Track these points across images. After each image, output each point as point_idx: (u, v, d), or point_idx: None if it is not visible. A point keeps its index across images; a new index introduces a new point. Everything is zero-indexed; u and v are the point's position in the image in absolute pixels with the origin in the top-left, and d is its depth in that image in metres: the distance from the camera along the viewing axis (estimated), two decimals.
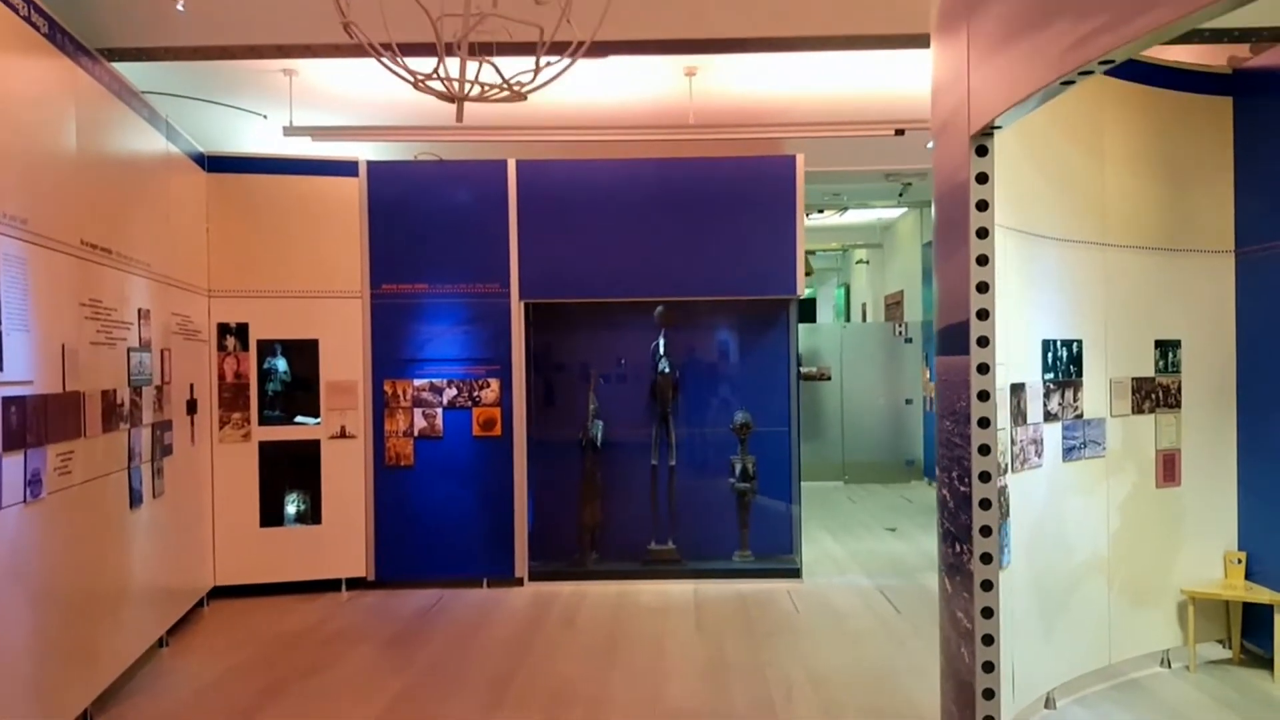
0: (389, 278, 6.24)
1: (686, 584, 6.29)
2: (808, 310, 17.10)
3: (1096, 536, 4.19)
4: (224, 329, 5.91)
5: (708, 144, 6.60)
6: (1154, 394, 4.41)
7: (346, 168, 6.19)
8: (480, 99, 2.92)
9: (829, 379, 11.55)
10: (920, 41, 4.29)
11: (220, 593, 5.91)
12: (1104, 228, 4.22)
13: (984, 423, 2.83)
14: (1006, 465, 3.63)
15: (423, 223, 6.26)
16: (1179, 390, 4.46)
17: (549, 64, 3.13)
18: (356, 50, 3.58)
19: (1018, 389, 3.76)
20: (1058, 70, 2.40)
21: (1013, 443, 3.70)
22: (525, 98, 2.97)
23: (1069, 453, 4.07)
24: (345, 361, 6.17)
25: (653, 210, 6.36)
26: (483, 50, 3.34)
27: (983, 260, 2.80)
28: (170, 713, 4.15)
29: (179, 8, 4.48)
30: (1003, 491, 3.45)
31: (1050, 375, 3.99)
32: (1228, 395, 4.52)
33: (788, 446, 6.66)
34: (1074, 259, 4.10)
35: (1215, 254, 4.52)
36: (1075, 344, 4.12)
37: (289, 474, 6.09)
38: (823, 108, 6.51)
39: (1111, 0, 2.15)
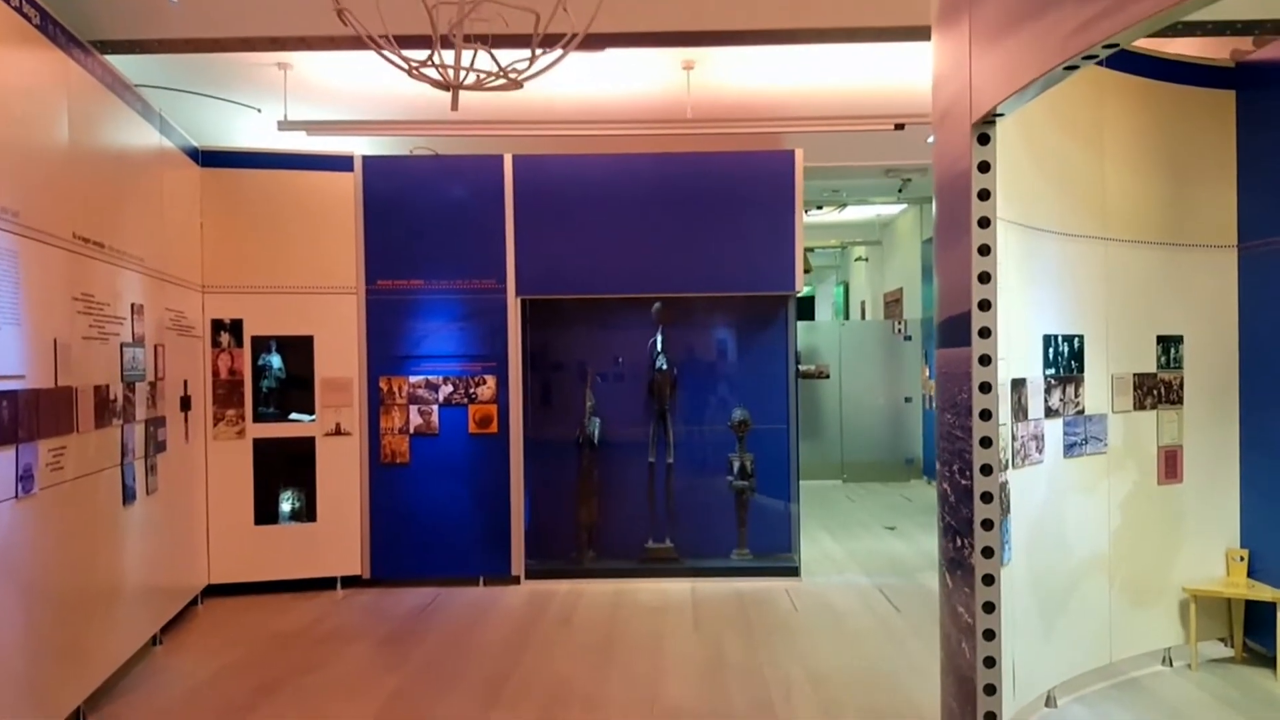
0: (384, 273, 6.19)
1: (684, 583, 6.25)
2: (806, 308, 17.07)
3: (1097, 534, 4.15)
4: (218, 325, 5.87)
5: (706, 139, 6.57)
6: (1156, 390, 4.37)
7: (342, 162, 6.15)
8: (476, 87, 2.88)
9: (827, 377, 11.51)
10: (920, 34, 4.25)
11: (214, 591, 5.86)
12: (1105, 222, 4.19)
13: (985, 415, 2.79)
14: (1007, 461, 3.60)
15: (418, 218, 6.22)
16: (1181, 386, 4.43)
17: (544, 53, 3.09)
18: (351, 42, 3.55)
19: (1019, 384, 3.73)
20: (1061, 55, 2.36)
21: (1014, 438, 3.66)
22: (521, 86, 2.93)
23: (1070, 449, 4.03)
24: (340, 358, 6.12)
25: (650, 206, 6.32)
26: (478, 40, 3.30)
27: (984, 250, 2.77)
28: (164, 711, 4.11)
29: (172, 0, 4.44)
30: (1003, 488, 3.41)
31: (1051, 371, 3.95)
32: (1230, 391, 4.48)
33: (786, 444, 6.62)
34: (1075, 253, 4.06)
35: (1218, 249, 4.48)
36: (1077, 339, 4.08)
37: (284, 471, 6.05)
38: (822, 102, 6.48)
39: None
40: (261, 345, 5.99)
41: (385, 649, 4.95)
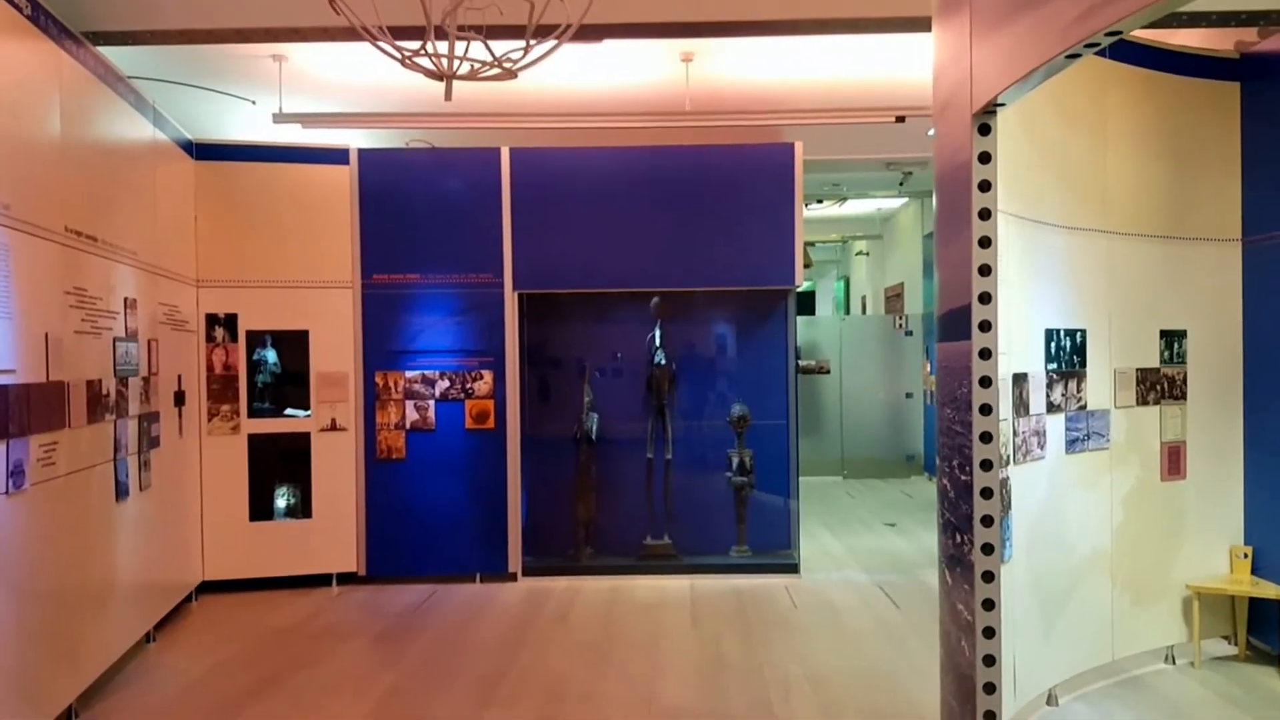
0: (380, 268, 6.15)
1: (682, 579, 6.21)
2: (807, 303, 17.01)
3: (1099, 530, 4.11)
4: (212, 319, 5.83)
5: (705, 131, 6.51)
6: (1159, 385, 4.33)
7: (337, 155, 6.10)
8: (470, 77, 2.83)
9: (828, 372, 11.46)
10: (922, 25, 4.20)
11: (209, 587, 5.83)
12: (1108, 215, 4.14)
13: (986, 409, 2.75)
14: (1008, 457, 3.55)
15: (415, 211, 6.17)
16: (1184, 381, 4.38)
17: (539, 43, 3.05)
18: (346, 33, 3.50)
19: (1020, 379, 3.68)
20: (1062, 44, 2.31)
21: (1015, 434, 3.62)
22: (516, 75, 2.88)
23: (1072, 444, 3.99)
24: (336, 353, 6.08)
25: (648, 199, 6.27)
26: (472, 30, 3.26)
27: (985, 242, 2.72)
28: (156, 709, 4.08)
29: None
30: (1004, 484, 3.37)
31: (1053, 365, 3.91)
32: (1234, 386, 4.44)
33: (785, 440, 6.58)
34: (1077, 247, 4.02)
35: (1221, 243, 4.43)
36: (1079, 334, 4.03)
37: (279, 467, 6.01)
38: (822, 94, 6.43)
39: None
40: (256, 340, 5.95)
41: (381, 646, 4.92)
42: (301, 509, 6.05)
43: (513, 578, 6.21)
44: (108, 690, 4.22)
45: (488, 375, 6.19)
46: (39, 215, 3.62)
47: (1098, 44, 2.25)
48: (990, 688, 2.75)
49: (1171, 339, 4.35)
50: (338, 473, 6.08)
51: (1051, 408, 3.88)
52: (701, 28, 5.02)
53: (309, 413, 6.03)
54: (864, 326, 12.15)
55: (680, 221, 6.25)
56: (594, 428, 6.58)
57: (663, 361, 6.62)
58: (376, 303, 6.15)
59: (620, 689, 4.24)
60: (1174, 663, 4.37)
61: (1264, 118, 4.33)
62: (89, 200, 4.17)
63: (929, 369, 10.85)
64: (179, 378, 5.41)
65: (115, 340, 4.37)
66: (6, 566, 3.32)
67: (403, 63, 2.90)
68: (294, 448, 5.99)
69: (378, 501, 6.14)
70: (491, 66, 2.86)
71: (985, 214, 2.73)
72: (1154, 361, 4.31)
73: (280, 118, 6.09)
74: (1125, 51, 4.16)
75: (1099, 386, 4.11)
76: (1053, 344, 3.91)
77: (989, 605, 2.75)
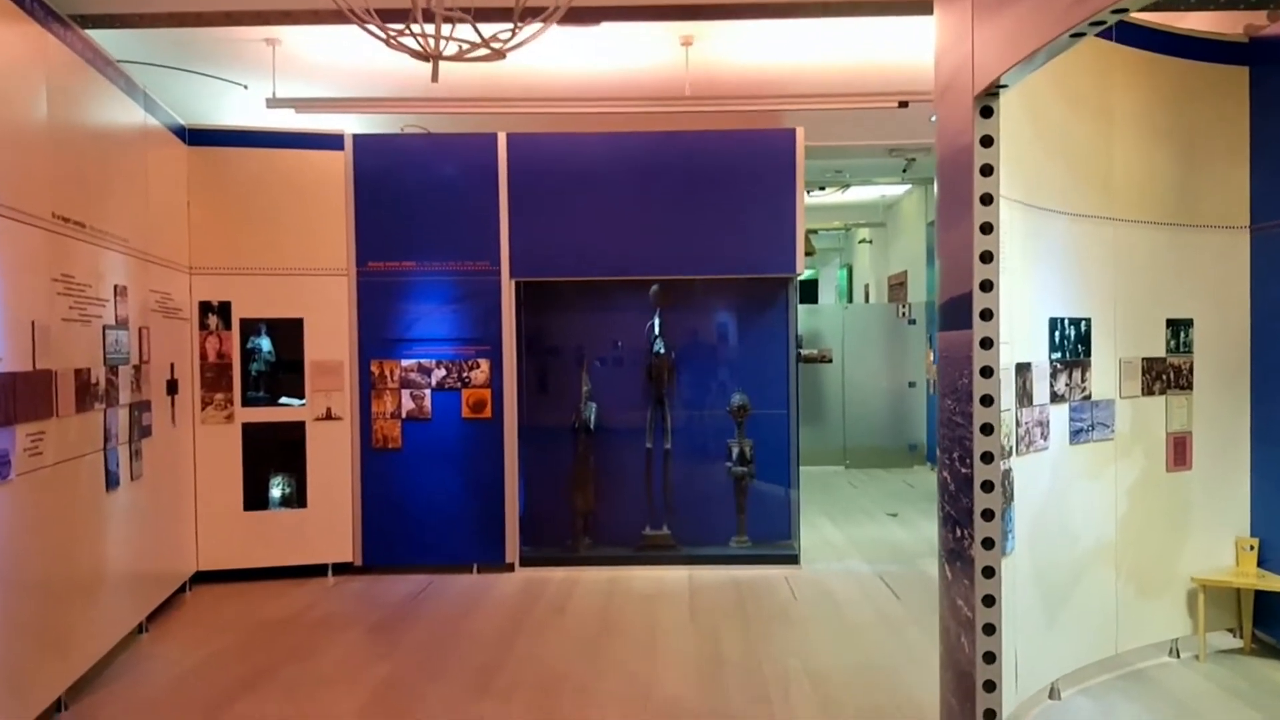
0: (376, 255, 6.07)
1: (681, 570, 6.16)
2: (809, 291, 16.91)
3: (1103, 522, 4.04)
4: (206, 307, 5.77)
5: (705, 116, 6.41)
6: (1165, 375, 4.25)
7: (331, 141, 6.02)
8: (457, 58, 2.75)
9: (830, 361, 11.38)
10: (924, 7, 4.09)
11: (204, 578, 5.79)
12: (1113, 202, 4.05)
13: (987, 400, 2.67)
14: (1011, 448, 3.49)
15: (410, 198, 6.09)
16: (1191, 371, 4.31)
17: (528, 24, 2.96)
18: (336, 16, 3.42)
19: (1023, 369, 3.62)
20: (1066, 22, 2.23)
21: (1018, 424, 3.55)
22: (504, 55, 2.80)
23: (1076, 435, 3.92)
24: (331, 341, 6.01)
25: (648, 185, 6.19)
26: (461, 11, 3.17)
27: (987, 228, 2.64)
28: (147, 700, 4.04)
29: None
30: (1006, 475, 3.31)
31: (1057, 355, 3.84)
32: (1241, 376, 4.36)
33: (786, 430, 6.51)
34: (1082, 234, 3.93)
35: (1229, 230, 4.34)
36: (1083, 323, 3.96)
37: (274, 456, 5.96)
38: (824, 79, 6.32)
39: None
40: (250, 328, 5.88)
41: (376, 637, 4.87)
42: (296, 499, 6.01)
43: (510, 568, 6.16)
44: (99, 682, 4.18)
45: (484, 364, 6.12)
46: (24, 201, 3.56)
47: (1104, 22, 2.17)
48: (990, 685, 2.69)
49: (1178, 328, 4.27)
50: (333, 462, 6.02)
51: (1055, 398, 3.81)
52: (701, 10, 4.93)
53: (304, 402, 5.97)
54: (867, 315, 12.07)
55: (680, 208, 6.17)
56: (592, 417, 6.51)
57: (662, 350, 6.55)
58: (372, 290, 6.08)
59: (617, 683, 4.19)
60: (1178, 656, 4.31)
61: (1273, 103, 4.24)
62: (77, 186, 4.10)
63: (932, 358, 10.77)
64: (171, 366, 5.35)
65: (105, 328, 4.31)
66: None
67: (387, 43, 2.83)
68: (289, 437, 5.94)
69: (374, 491, 6.09)
70: (478, 47, 2.78)
71: (987, 199, 2.65)
72: (1160, 351, 4.24)
73: (274, 102, 6.01)
74: (1132, 35, 4.07)
75: (1104, 376, 4.04)
76: (1056, 333, 3.83)
77: (989, 601, 2.68)
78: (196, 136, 5.75)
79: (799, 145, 6.15)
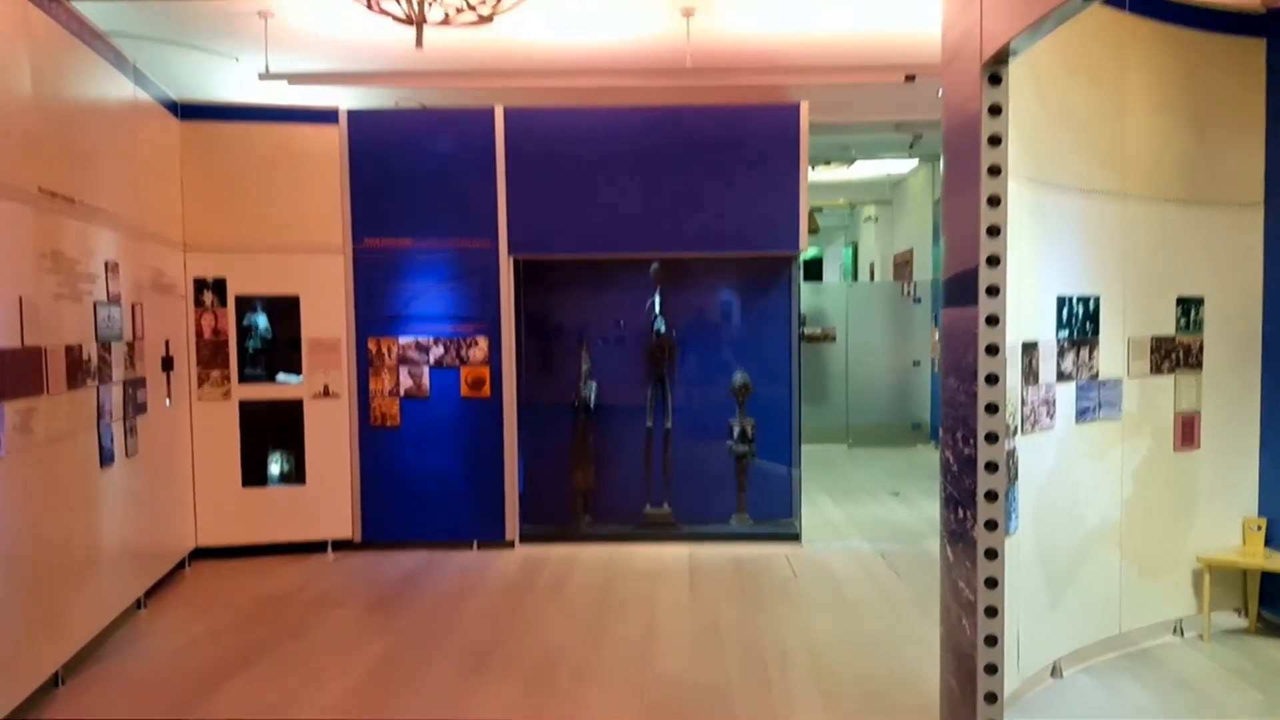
0: (372, 231, 5.99)
1: (681, 548, 6.13)
2: (814, 270, 16.76)
3: (1109, 501, 3.99)
4: (201, 284, 5.70)
5: (706, 90, 6.30)
6: (1174, 354, 4.17)
7: (326, 116, 5.93)
8: (444, 24, 2.66)
9: (833, 340, 11.30)
10: None
11: (202, 554, 5.77)
12: (1124, 177, 3.96)
13: (992, 379, 2.60)
14: (1016, 427, 3.42)
15: (406, 174, 6.00)
16: (1200, 350, 4.23)
17: None
18: None
19: (1030, 347, 3.55)
20: None
21: (1023, 403, 3.49)
22: (491, 20, 2.71)
23: (1082, 414, 3.85)
24: (328, 318, 5.95)
25: (648, 161, 6.09)
26: None
27: (994, 201, 2.56)
28: (144, 676, 4.02)
29: None
30: (1011, 454, 3.24)
31: (1065, 333, 3.76)
32: (1252, 355, 4.28)
33: (788, 409, 6.45)
34: (1091, 210, 3.85)
35: (1243, 206, 4.25)
36: (1092, 300, 3.88)
37: (272, 433, 5.92)
38: (829, 52, 6.18)
39: None
40: (246, 305, 5.82)
41: (374, 613, 4.85)
42: (295, 475, 5.97)
43: (510, 545, 6.13)
44: (95, 657, 4.16)
45: (483, 342, 6.06)
46: (8, 175, 3.49)
47: None
48: (992, 669, 2.64)
49: (1188, 306, 4.19)
50: (331, 439, 5.98)
51: (1062, 376, 3.75)
52: None
53: (301, 379, 5.92)
54: (872, 293, 11.97)
55: (681, 184, 6.07)
56: (592, 396, 6.46)
57: (663, 329, 6.47)
58: (368, 267, 6.01)
59: (615, 659, 4.16)
60: (1182, 635, 4.27)
61: None
62: (64, 161, 4.03)
63: (937, 336, 10.68)
64: (166, 343, 5.30)
65: (96, 304, 4.25)
66: None
67: (370, 5, 2.74)
68: (286, 414, 5.89)
69: (372, 468, 6.05)
70: (463, 12, 2.70)
71: (995, 170, 2.57)
72: (1170, 329, 4.16)
73: (267, 76, 5.90)
74: (1145, 5, 3.96)
75: (1112, 355, 3.97)
76: (1064, 311, 3.76)
77: (992, 583, 2.63)
78: (189, 111, 5.66)
79: (803, 120, 6.04)
